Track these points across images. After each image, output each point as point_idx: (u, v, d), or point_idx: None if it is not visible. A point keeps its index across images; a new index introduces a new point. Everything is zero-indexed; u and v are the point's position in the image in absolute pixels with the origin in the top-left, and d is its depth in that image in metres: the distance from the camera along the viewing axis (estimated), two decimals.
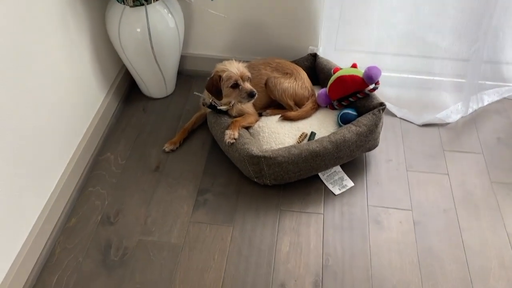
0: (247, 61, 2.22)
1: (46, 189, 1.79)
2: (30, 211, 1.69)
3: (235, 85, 1.94)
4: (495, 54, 2.34)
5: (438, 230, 1.86)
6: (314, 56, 2.35)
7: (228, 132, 1.96)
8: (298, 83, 2.12)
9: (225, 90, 1.95)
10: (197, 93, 2.18)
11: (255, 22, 2.38)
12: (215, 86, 1.94)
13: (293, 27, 2.37)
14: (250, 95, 1.94)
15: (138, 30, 2.08)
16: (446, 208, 1.94)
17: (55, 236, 1.81)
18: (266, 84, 2.12)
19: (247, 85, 1.95)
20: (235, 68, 1.93)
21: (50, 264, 1.74)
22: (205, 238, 1.82)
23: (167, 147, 2.14)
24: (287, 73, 2.15)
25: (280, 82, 2.10)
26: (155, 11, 2.07)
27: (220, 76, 1.94)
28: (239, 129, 1.99)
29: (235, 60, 2.00)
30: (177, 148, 2.16)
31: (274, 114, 2.13)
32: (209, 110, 2.11)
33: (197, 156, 2.15)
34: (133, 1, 2.03)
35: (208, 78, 1.99)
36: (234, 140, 1.94)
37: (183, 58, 2.50)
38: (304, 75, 2.19)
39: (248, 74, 1.96)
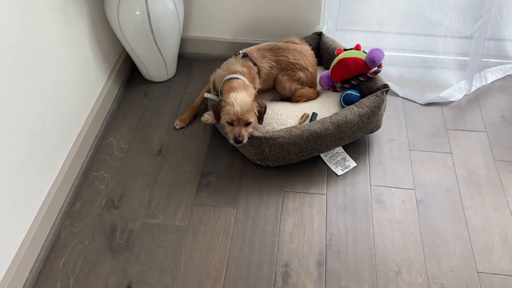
0: (253, 44, 2.20)
1: (50, 175, 1.80)
2: (35, 196, 1.71)
3: (230, 123, 1.88)
4: (498, 31, 2.31)
5: (441, 208, 1.87)
6: (320, 35, 2.32)
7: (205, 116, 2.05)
8: (304, 85, 2.13)
9: (222, 120, 1.90)
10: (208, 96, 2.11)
11: (256, 2, 2.35)
12: (217, 111, 1.89)
13: (295, 7, 2.34)
14: (235, 140, 1.86)
15: (137, 13, 2.06)
16: (449, 187, 1.94)
17: (60, 220, 1.82)
18: (275, 79, 2.12)
19: (239, 130, 1.85)
20: (240, 107, 1.82)
21: (57, 248, 1.76)
22: (209, 220, 1.83)
23: (178, 124, 2.17)
24: (296, 71, 2.11)
25: (290, 85, 2.11)
26: None
27: (223, 106, 1.88)
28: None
29: (250, 94, 1.91)
30: (187, 124, 2.18)
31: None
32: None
33: (199, 139, 2.15)
34: None
35: (219, 100, 1.92)
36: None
37: (183, 41, 2.48)
38: (311, 75, 2.15)
39: (250, 119, 1.84)
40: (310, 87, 2.15)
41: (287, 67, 2.10)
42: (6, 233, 1.55)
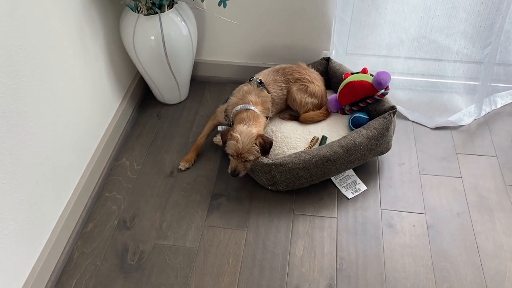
0: (263, 68, 2.25)
1: (64, 195, 1.83)
2: (48, 217, 1.73)
3: (232, 155, 1.94)
4: (508, 57, 2.33)
5: (452, 233, 1.86)
6: (327, 60, 2.36)
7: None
8: (313, 97, 2.17)
9: (226, 149, 1.96)
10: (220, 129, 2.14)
11: (266, 28, 2.41)
12: (224, 139, 1.96)
13: (305, 32, 2.39)
14: (231, 173, 1.94)
15: (152, 38, 2.11)
16: (460, 212, 1.94)
17: (73, 241, 1.85)
18: (287, 93, 2.17)
19: (237, 164, 1.92)
20: (242, 145, 1.87)
21: (69, 268, 1.78)
22: (219, 242, 1.85)
23: (183, 165, 2.13)
24: (305, 83, 2.17)
25: (300, 97, 2.15)
26: (169, 19, 2.11)
27: (229, 139, 1.93)
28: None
29: (260, 125, 1.97)
30: (192, 164, 2.15)
31: (290, 120, 2.18)
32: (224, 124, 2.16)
33: (210, 161, 2.17)
34: (147, 10, 2.07)
35: (230, 130, 1.96)
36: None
37: (196, 64, 2.53)
38: (319, 88, 2.19)
39: (249, 158, 1.90)
40: (320, 105, 2.19)
41: (295, 83, 2.16)
42: (19, 254, 1.57)
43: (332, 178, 2.04)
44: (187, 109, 2.47)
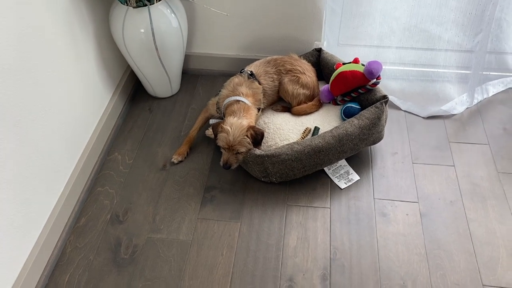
0: (255, 60, 2.23)
1: (55, 190, 1.82)
2: (40, 212, 1.72)
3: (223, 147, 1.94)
4: (499, 45, 2.33)
5: (445, 221, 1.86)
6: (319, 51, 2.36)
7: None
8: (305, 88, 2.15)
9: (217, 142, 1.96)
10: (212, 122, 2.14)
11: (257, 19, 2.39)
12: (216, 132, 1.95)
13: (297, 23, 2.37)
14: (223, 166, 1.93)
15: (142, 30, 2.10)
16: (453, 200, 1.94)
17: (65, 235, 1.84)
18: (279, 84, 2.16)
19: (228, 157, 1.91)
20: (232, 137, 1.86)
21: (62, 263, 1.77)
22: (213, 235, 1.84)
23: (176, 158, 2.12)
24: (296, 74, 2.16)
25: (292, 88, 2.13)
26: (158, 11, 2.09)
27: (219, 132, 1.93)
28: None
29: (251, 117, 1.96)
30: (185, 157, 2.14)
31: (283, 111, 2.17)
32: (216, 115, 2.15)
33: (203, 154, 2.17)
34: (136, 2, 2.05)
35: (221, 122, 1.94)
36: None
37: (187, 57, 2.52)
38: (310, 79, 2.18)
39: (241, 150, 1.89)
40: (312, 96, 2.18)
41: (287, 74, 2.15)
42: (12, 249, 1.56)
43: (325, 169, 2.04)
44: (179, 102, 2.45)
